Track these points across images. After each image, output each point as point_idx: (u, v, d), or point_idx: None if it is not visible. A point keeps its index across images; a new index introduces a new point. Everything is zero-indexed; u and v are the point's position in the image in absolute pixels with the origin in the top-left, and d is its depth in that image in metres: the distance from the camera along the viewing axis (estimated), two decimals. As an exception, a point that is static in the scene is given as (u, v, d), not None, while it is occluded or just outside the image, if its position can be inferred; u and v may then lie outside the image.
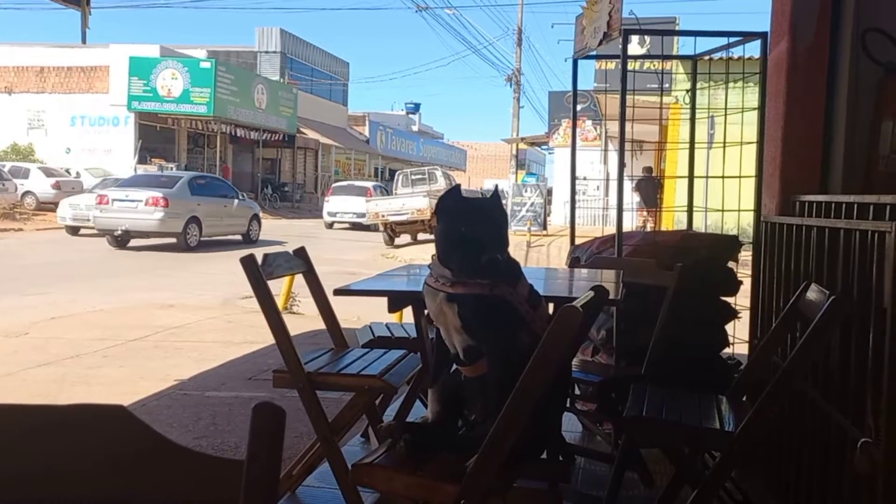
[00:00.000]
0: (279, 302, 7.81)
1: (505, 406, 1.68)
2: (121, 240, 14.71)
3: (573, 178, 4.10)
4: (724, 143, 3.73)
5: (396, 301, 2.38)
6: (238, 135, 30.22)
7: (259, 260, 2.57)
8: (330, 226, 23.45)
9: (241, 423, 4.05)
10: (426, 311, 2.04)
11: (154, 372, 5.25)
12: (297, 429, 3.82)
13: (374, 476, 1.81)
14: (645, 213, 15.84)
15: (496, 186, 2.06)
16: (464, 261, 1.84)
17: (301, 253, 2.99)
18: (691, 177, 3.82)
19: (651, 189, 15.62)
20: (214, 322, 7.35)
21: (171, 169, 27.65)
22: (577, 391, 3.34)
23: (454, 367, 1.98)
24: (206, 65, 27.55)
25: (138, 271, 11.91)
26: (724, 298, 3.44)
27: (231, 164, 32.26)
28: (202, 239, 15.48)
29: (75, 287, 9.55)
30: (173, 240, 14.99)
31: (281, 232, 19.09)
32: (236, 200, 16.90)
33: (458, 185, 2.05)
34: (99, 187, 17.62)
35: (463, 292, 1.87)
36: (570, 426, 3.60)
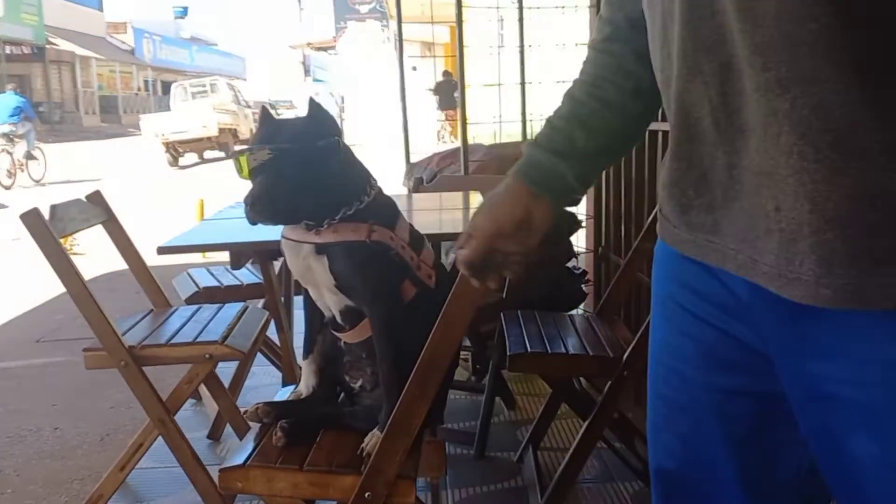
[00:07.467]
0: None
1: (409, 381, 1.41)
2: None
3: (403, 92, 3.82)
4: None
5: (240, 256, 1.98)
6: (-28, 48, 25.93)
7: (46, 214, 2.03)
8: None
9: (39, 398, 3.43)
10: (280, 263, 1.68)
11: None
12: (111, 397, 3.29)
13: (251, 479, 1.47)
14: (442, 116, 15.83)
15: (310, 99, 1.64)
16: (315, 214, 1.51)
17: (96, 199, 2.44)
18: (523, 83, 3.64)
19: (449, 90, 15.61)
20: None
21: None
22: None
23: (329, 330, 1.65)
24: (-82, -36, 23.07)
25: None
26: (567, 209, 3.36)
27: (-32, 84, 27.77)
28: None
29: None
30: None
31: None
32: None
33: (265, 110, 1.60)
34: None
35: (334, 241, 1.53)
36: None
